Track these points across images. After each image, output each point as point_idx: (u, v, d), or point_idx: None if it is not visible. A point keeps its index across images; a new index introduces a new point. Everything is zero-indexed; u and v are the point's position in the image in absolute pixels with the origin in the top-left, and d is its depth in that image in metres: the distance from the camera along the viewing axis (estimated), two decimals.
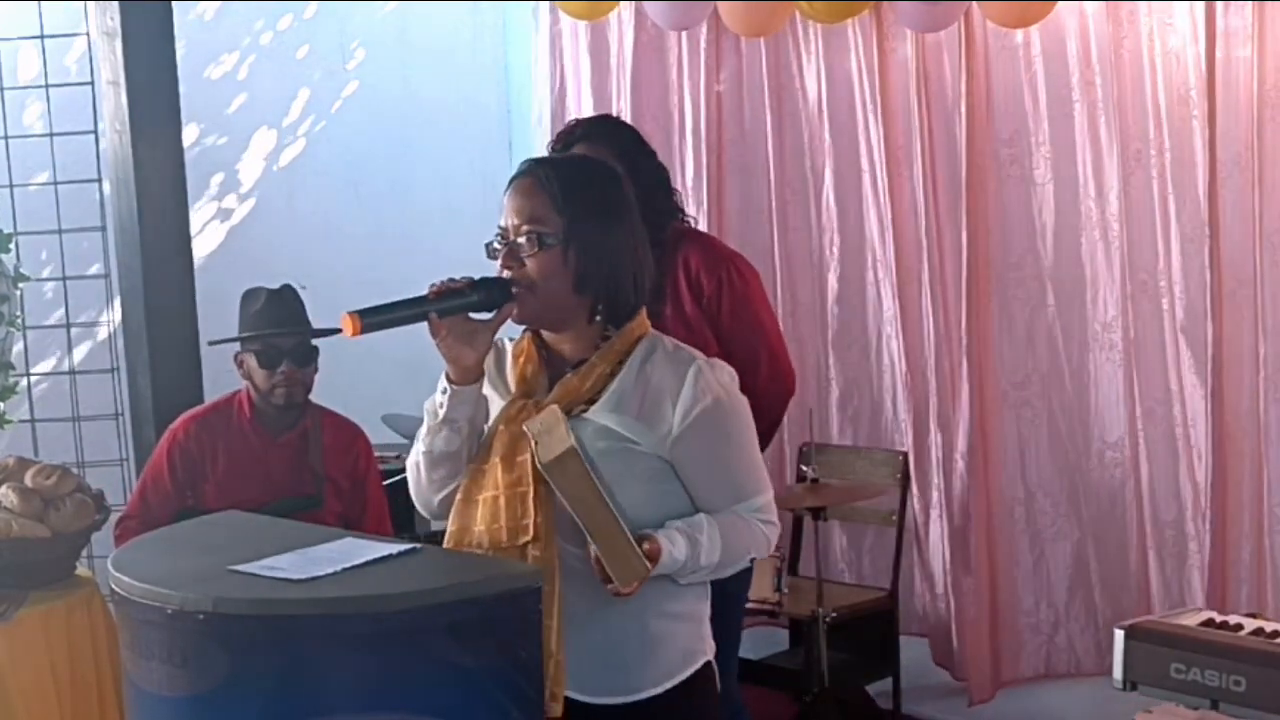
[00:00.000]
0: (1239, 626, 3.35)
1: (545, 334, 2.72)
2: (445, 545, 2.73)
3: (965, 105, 4.89)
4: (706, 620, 2.77)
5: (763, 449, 4.20)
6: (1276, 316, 4.41)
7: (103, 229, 5.11)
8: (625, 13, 5.58)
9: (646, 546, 2.54)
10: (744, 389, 3.96)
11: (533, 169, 2.70)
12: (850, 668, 5.01)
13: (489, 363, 2.72)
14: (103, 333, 5.35)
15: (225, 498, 4.03)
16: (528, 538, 2.62)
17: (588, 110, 5.55)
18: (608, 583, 2.53)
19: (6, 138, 5.16)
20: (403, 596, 2.43)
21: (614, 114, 5.18)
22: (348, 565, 2.54)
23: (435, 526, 5.14)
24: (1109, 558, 4.91)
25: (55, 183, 5.16)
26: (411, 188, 6.20)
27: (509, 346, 2.76)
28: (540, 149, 5.80)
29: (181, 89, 4.88)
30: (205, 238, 5.68)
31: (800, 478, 4.95)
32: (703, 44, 5.46)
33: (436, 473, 2.74)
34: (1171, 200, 4.59)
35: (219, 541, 2.78)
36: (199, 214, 5.59)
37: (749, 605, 4.41)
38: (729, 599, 4.00)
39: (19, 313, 4.97)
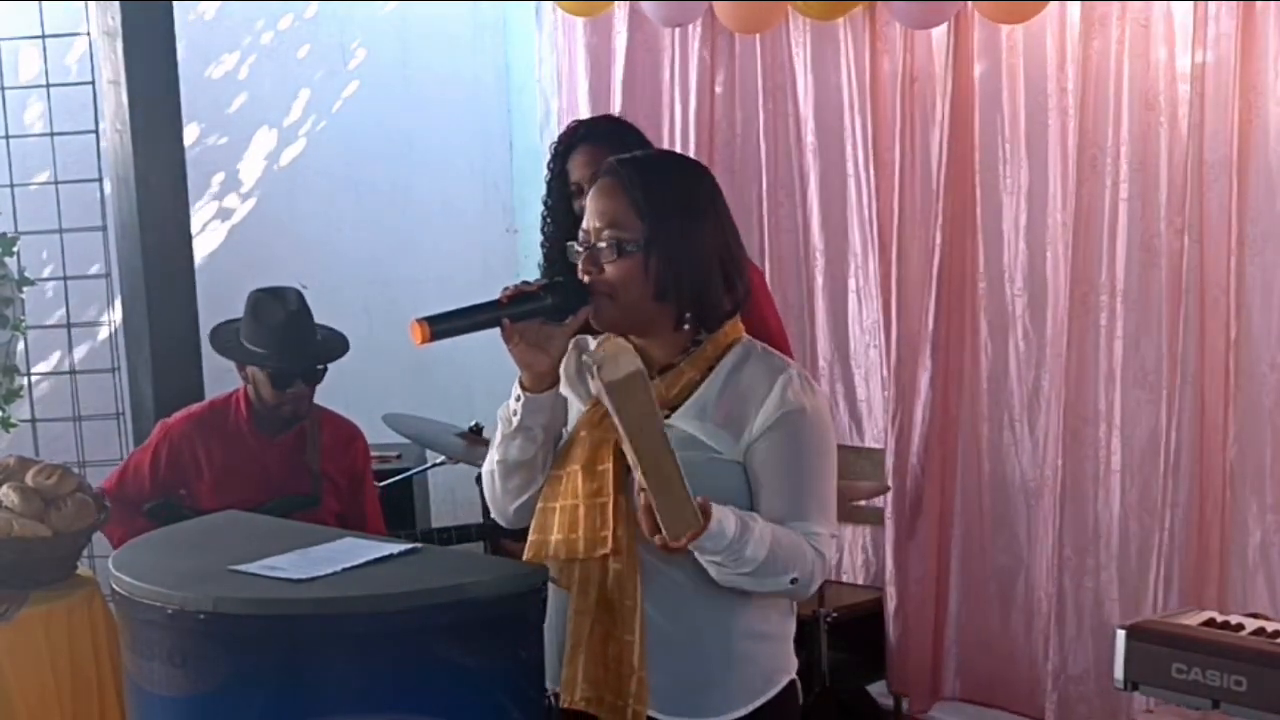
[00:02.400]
0: (1240, 626, 3.34)
1: (633, 336, 2.55)
2: (525, 556, 2.60)
3: (949, 108, 4.87)
4: (791, 639, 2.67)
5: None
6: (1250, 320, 4.39)
7: (104, 228, 5.11)
8: (621, 11, 5.56)
9: (700, 499, 2.36)
10: None
11: (616, 169, 2.55)
12: (850, 667, 5.01)
13: (569, 362, 2.58)
14: (104, 332, 5.34)
15: (222, 496, 4.04)
16: (606, 550, 2.49)
17: (585, 110, 5.54)
18: (655, 533, 2.36)
19: (7, 137, 5.16)
20: (403, 596, 2.43)
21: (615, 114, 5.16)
22: (348, 565, 2.54)
23: (436, 524, 5.16)
24: (1079, 569, 4.84)
25: (56, 182, 5.16)
26: (412, 187, 6.20)
27: (592, 345, 2.56)
28: (543, 149, 5.80)
29: (182, 88, 4.88)
30: (206, 237, 5.68)
31: None
32: (698, 44, 5.45)
33: (511, 481, 2.62)
34: (1154, 207, 4.54)
35: (219, 541, 2.78)
36: (200, 213, 5.59)
37: None
38: None
39: (23, 316, 4.98)
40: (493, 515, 2.76)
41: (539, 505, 2.61)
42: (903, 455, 5.04)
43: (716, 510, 2.40)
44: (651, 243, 2.48)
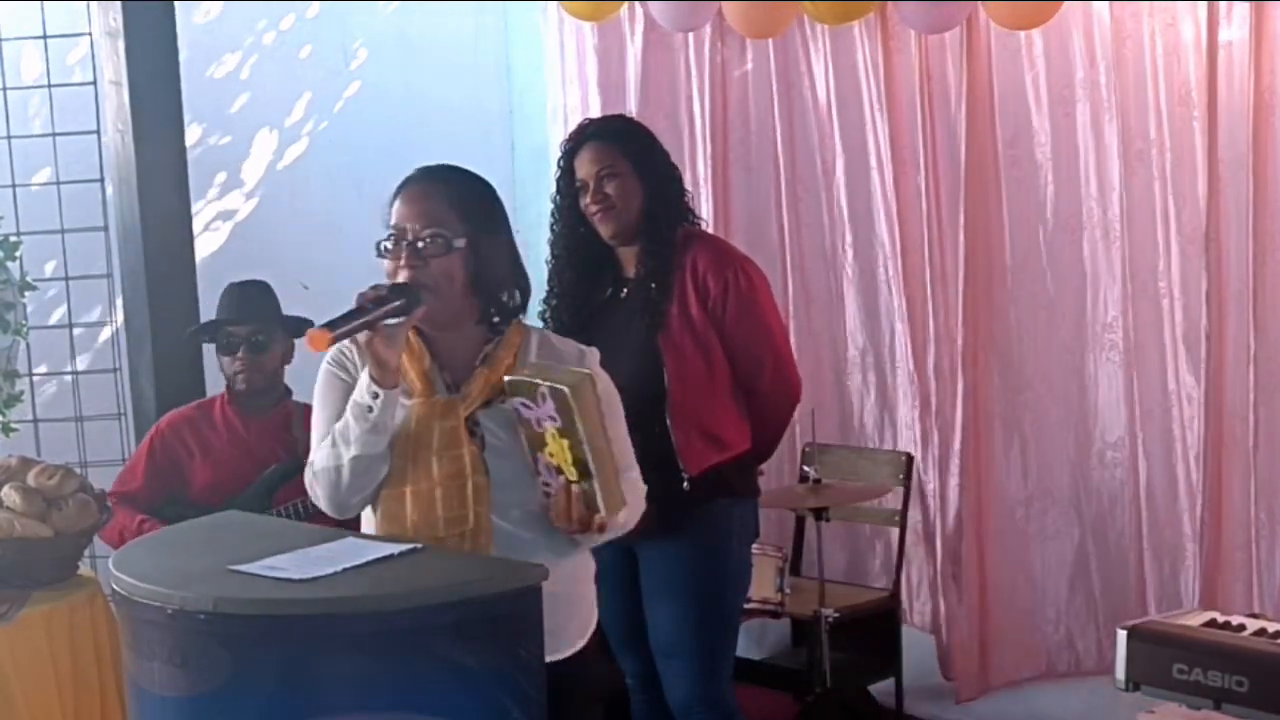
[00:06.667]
0: (1241, 627, 3.34)
1: (433, 333, 2.88)
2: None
3: (967, 105, 4.87)
4: None
5: (768, 455, 4.21)
6: (1271, 317, 4.40)
7: (105, 229, 5.11)
8: (634, 11, 5.55)
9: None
10: (748, 393, 3.97)
11: (429, 176, 2.95)
12: (852, 668, 5.01)
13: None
14: (105, 333, 5.35)
15: (215, 476, 4.28)
16: (467, 527, 2.78)
17: (597, 110, 5.52)
18: (578, 518, 2.71)
19: (9, 137, 5.16)
20: (403, 596, 2.44)
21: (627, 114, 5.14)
22: (348, 565, 2.54)
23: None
24: (1108, 558, 4.89)
25: (58, 182, 5.16)
26: None
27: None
28: (555, 149, 5.78)
29: (184, 89, 4.88)
30: (208, 237, 5.68)
31: (803, 478, 4.95)
32: (708, 45, 5.44)
33: (363, 475, 2.81)
34: (1171, 201, 4.58)
35: (220, 541, 2.79)
36: (201, 214, 5.59)
37: (750, 605, 4.40)
38: (724, 604, 3.97)
39: (24, 320, 4.98)
40: (327, 509, 2.91)
41: (386, 492, 2.83)
42: (942, 448, 5.04)
43: None
44: (472, 241, 2.82)
